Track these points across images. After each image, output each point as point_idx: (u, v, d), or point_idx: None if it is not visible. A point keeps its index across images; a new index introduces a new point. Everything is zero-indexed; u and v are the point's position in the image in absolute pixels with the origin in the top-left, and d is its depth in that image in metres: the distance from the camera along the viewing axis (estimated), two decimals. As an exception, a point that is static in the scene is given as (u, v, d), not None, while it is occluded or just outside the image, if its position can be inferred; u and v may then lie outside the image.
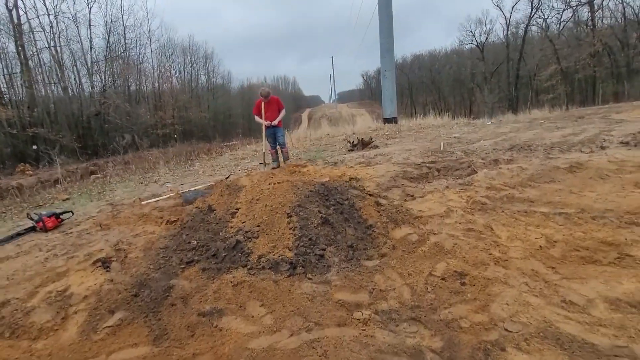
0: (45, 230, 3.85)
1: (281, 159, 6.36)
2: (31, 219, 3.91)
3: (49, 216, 3.91)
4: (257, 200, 3.56)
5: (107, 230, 3.70)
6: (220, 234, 3.19)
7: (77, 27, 23.15)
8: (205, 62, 35.53)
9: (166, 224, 3.65)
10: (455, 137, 7.82)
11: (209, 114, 33.84)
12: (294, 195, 3.56)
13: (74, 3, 22.84)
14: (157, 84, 29.76)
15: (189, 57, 32.98)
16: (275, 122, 5.86)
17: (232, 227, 3.23)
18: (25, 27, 20.04)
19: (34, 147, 19.11)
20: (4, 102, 18.23)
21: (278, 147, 6.22)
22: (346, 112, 58.07)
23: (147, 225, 3.73)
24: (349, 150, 7.42)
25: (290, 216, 3.26)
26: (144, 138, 23.17)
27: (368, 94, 73.55)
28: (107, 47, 23.74)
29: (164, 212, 4.06)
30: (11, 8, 18.25)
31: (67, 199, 6.40)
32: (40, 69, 21.95)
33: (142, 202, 4.61)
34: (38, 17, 21.08)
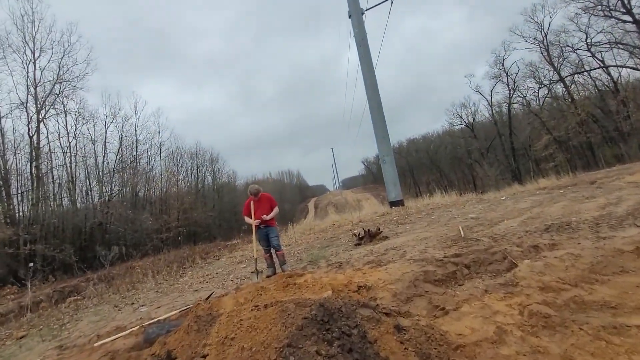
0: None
1: (278, 264, 5.46)
2: None
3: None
4: (232, 339, 2.58)
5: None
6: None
7: (94, 145, 25.05)
8: (211, 164, 37.41)
9: (107, 386, 2.59)
10: (472, 218, 6.99)
11: (215, 213, 33.94)
12: (283, 327, 2.59)
13: (94, 125, 25.15)
14: (164, 189, 30.69)
15: (195, 161, 34.83)
16: (267, 218, 5.18)
17: (190, 393, 2.19)
18: (45, 149, 21.62)
19: (31, 264, 18.40)
20: (7, 222, 18.29)
21: (272, 250, 5.40)
22: (352, 198, 58.56)
23: (82, 388, 2.67)
24: (355, 245, 6.53)
25: (276, 365, 2.25)
26: (146, 244, 22.55)
27: (371, 178, 75.64)
28: (116, 159, 25.12)
29: (113, 362, 3.02)
30: (32, 134, 19.91)
31: (23, 336, 5.32)
32: (52, 185, 22.87)
33: (95, 344, 3.58)
34: (59, 139, 22.97)
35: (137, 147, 28.00)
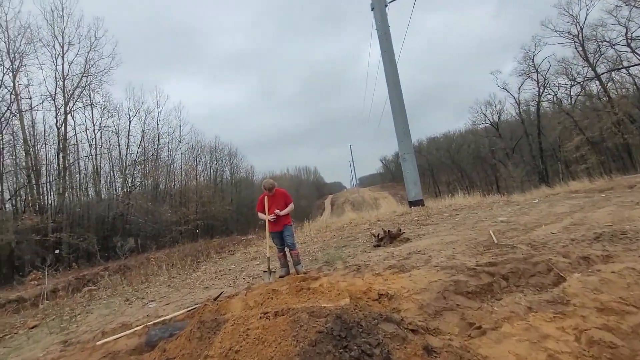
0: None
1: (292, 263, 5.16)
2: None
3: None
4: (237, 352, 2.28)
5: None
6: None
7: (118, 137, 25.69)
8: (230, 158, 37.73)
9: (100, 395, 2.36)
10: (502, 221, 6.44)
11: (232, 207, 34.24)
12: (294, 342, 2.27)
13: (118, 118, 25.79)
14: (183, 182, 31.20)
15: (214, 156, 35.20)
16: (280, 213, 4.88)
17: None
18: (72, 141, 22.32)
19: (57, 251, 19.06)
20: (35, 210, 18.99)
21: (286, 249, 5.10)
22: (369, 196, 57.81)
23: (75, 395, 2.45)
24: (374, 246, 6.14)
25: (285, 388, 1.93)
26: (165, 235, 22.95)
27: (389, 177, 74.46)
28: (138, 151, 25.63)
29: (112, 365, 2.80)
30: (60, 126, 20.56)
31: (35, 326, 5.28)
32: (78, 176, 23.64)
33: (98, 343, 3.39)
34: (86, 131, 23.68)
35: (158, 140, 28.56)
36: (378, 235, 6.42)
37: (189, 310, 3.83)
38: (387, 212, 15.90)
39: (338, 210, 48.44)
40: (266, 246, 5.13)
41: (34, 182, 20.24)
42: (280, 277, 4.94)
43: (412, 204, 15.69)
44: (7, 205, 19.86)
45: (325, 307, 2.81)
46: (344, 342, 2.30)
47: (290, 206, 5.05)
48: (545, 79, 31.67)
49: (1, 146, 18.92)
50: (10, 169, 19.85)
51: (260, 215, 5.06)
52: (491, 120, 39.55)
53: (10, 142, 19.38)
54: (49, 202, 21.05)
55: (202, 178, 33.96)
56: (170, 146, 29.84)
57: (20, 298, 9.84)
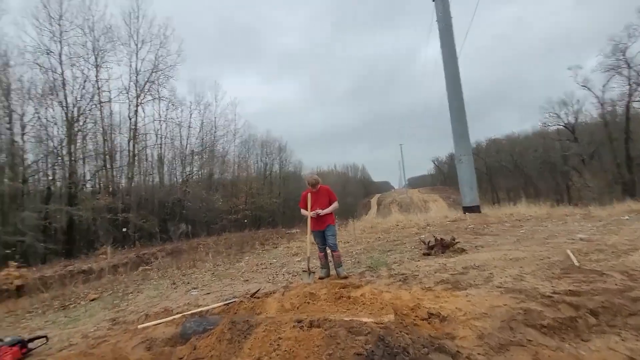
0: (0, 366, 2.87)
1: (332, 265, 4.90)
2: (-11, 348, 3.00)
3: (12, 345, 2.97)
4: (265, 364, 2.07)
5: (58, 382, 2.53)
6: None
7: (180, 129, 27.71)
8: (279, 152, 38.67)
9: (131, 385, 2.32)
10: (582, 239, 5.48)
11: (280, 200, 35.14)
12: (328, 362, 1.99)
13: (181, 111, 27.83)
14: (235, 173, 32.75)
15: (265, 149, 36.34)
16: (322, 212, 4.63)
17: None
18: (141, 130, 24.56)
19: (124, 229, 21.21)
20: (108, 191, 21.26)
21: (328, 249, 4.84)
22: (417, 198, 55.46)
23: (110, 380, 2.46)
24: (423, 254, 5.62)
25: (315, 417, 1.67)
26: (216, 223, 24.29)
27: (440, 179, 70.69)
28: (196, 143, 27.36)
29: (147, 354, 2.79)
30: (132, 117, 22.72)
31: (95, 299, 5.74)
32: (145, 162, 26.00)
33: (140, 326, 3.47)
34: (153, 122, 25.90)
35: (215, 132, 30.25)
36: (428, 242, 5.87)
37: (226, 304, 3.77)
38: (438, 217, 14.90)
39: (384, 210, 47.16)
40: (307, 245, 4.93)
41: (109, 166, 22.70)
42: (320, 278, 4.72)
43: (466, 209, 14.51)
44: (87, 186, 22.60)
45: (366, 322, 2.49)
46: (387, 370, 1.97)
47: (334, 204, 4.78)
48: (639, 75, 27.15)
49: (85, 133, 21.46)
50: (92, 153, 22.48)
51: (303, 212, 4.87)
52: (566, 121, 35.15)
53: (92, 130, 21.88)
54: (120, 185, 23.44)
55: (253, 170, 35.35)
56: (225, 138, 31.51)
57: (90, 269, 10.99)
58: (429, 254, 5.54)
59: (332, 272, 4.86)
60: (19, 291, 8.45)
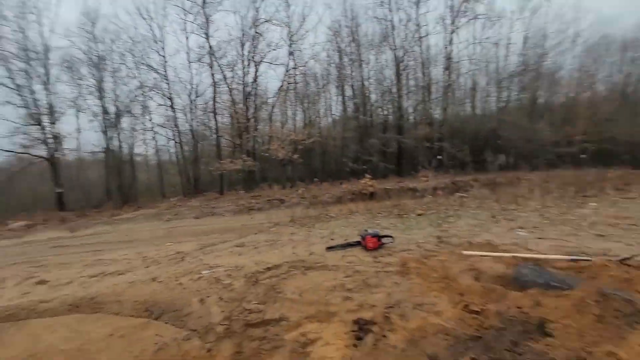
0: (365, 248, 3.90)
1: None
2: (360, 234, 4.12)
3: (373, 236, 3.92)
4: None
5: (402, 277, 3.01)
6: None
7: (497, 48, 24.58)
8: None
9: (462, 309, 2.30)
10: None
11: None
12: None
13: (500, 27, 24.26)
14: (572, 94, 25.12)
15: (628, 54, 24.55)
16: None
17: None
18: (455, 58, 24.30)
19: (439, 157, 23.28)
20: (426, 122, 23.60)
21: None
22: None
23: (443, 295, 2.58)
24: None
25: None
26: (538, 157, 20.61)
27: None
28: (517, 62, 23.29)
29: (476, 284, 2.69)
30: (446, 46, 22.76)
31: (421, 214, 6.61)
32: (458, 92, 26.05)
33: (465, 252, 3.45)
34: (467, 47, 24.74)
35: (544, 43, 24.05)
36: None
37: (574, 260, 2.88)
38: None
39: None
40: None
41: (426, 99, 24.89)
42: None
43: None
44: (410, 118, 26.39)
45: None
46: None
47: None
48: None
49: (408, 71, 24.41)
50: (413, 88, 25.51)
51: None
52: None
53: (413, 66, 24.39)
54: (435, 116, 25.26)
55: (602, 87, 25.38)
56: (558, 49, 24.28)
57: (414, 188, 13.10)
58: None
59: None
60: (372, 196, 11.64)
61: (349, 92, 24.61)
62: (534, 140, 20.02)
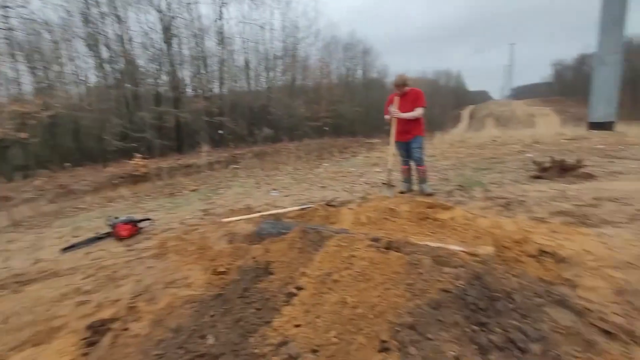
0: (118, 238, 3.43)
1: (415, 182, 4.40)
2: (108, 224, 3.57)
3: (126, 223, 3.48)
4: (335, 282, 1.88)
5: (158, 259, 2.88)
6: (251, 339, 1.70)
7: (263, 31, 26.90)
8: (364, 56, 35.50)
9: (212, 273, 2.48)
10: None
11: (361, 108, 33.75)
12: (408, 293, 1.70)
13: (263, 11, 26.52)
14: (317, 79, 31.77)
15: (348, 53, 33.62)
16: (403, 116, 3.95)
17: (273, 333, 1.69)
18: (227, 34, 24.63)
19: (220, 132, 23.57)
20: (204, 95, 23.06)
21: (412, 163, 4.28)
22: (522, 111, 47.20)
23: (196, 266, 2.68)
24: (532, 177, 4.62)
25: (387, 350, 1.46)
26: (298, 129, 25.06)
27: (557, 88, 57.60)
28: (279, 47, 26.57)
29: (228, 247, 2.96)
30: (217, 19, 22.63)
31: (194, 190, 6.52)
32: (232, 68, 26.83)
33: (224, 220, 3.72)
34: (237, 25, 25.56)
35: (296, 34, 28.63)
36: (542, 164, 4.77)
37: (302, 209, 3.74)
38: (550, 135, 12.37)
39: (477, 124, 41.94)
40: (388, 156, 4.42)
41: (203, 71, 24.12)
42: (401, 192, 4.32)
43: (594, 126, 11.65)
44: (188, 90, 24.83)
45: (457, 253, 2.06)
46: (482, 317, 1.58)
47: (417, 111, 3.98)
48: None
49: (179, 38, 22.50)
50: (187, 59, 23.93)
51: (386, 117, 4.23)
52: None
53: (185, 34, 22.73)
54: (213, 90, 25.10)
55: (334, 76, 33.69)
56: (306, 41, 29.74)
57: (193, 164, 12.74)
58: (539, 177, 4.53)
59: (414, 187, 4.39)
60: (145, 178, 10.33)
61: (106, 54, 19.75)
62: (294, 116, 24.20)
